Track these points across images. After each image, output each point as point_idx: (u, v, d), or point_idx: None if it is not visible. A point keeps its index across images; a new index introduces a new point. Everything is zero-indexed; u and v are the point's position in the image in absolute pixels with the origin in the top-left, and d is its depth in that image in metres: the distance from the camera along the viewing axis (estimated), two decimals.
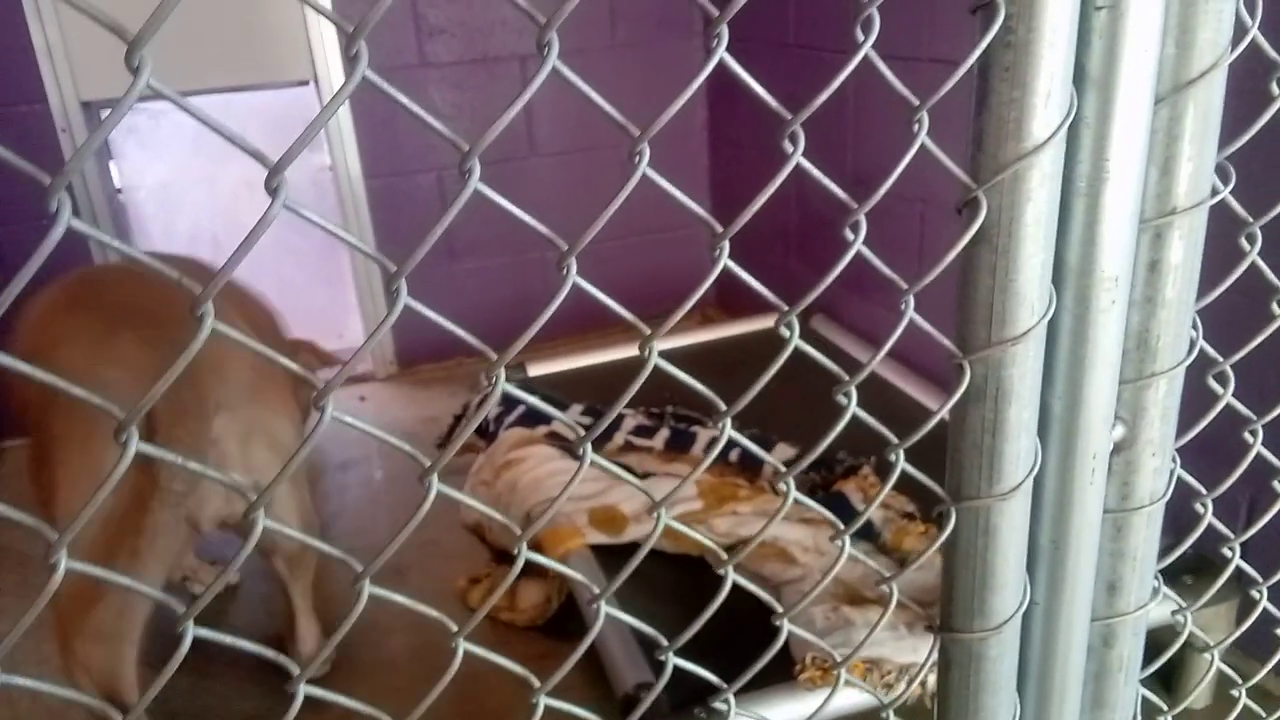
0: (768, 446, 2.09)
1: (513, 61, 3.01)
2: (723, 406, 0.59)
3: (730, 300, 3.36)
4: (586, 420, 2.31)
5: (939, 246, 2.39)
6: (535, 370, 2.65)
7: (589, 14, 2.99)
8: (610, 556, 1.81)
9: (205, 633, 0.52)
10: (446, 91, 2.97)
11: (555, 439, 2.21)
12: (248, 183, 3.09)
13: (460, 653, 0.60)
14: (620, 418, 2.28)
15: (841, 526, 0.70)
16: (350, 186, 2.95)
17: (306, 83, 2.88)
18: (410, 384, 3.10)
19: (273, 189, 0.38)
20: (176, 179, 3.06)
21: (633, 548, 1.83)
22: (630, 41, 3.09)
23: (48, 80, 2.61)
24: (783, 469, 0.64)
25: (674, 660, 0.68)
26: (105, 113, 2.76)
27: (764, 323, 2.82)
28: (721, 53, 0.46)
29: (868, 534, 1.79)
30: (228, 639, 0.53)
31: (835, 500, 1.89)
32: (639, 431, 2.25)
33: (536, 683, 0.64)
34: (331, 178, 2.98)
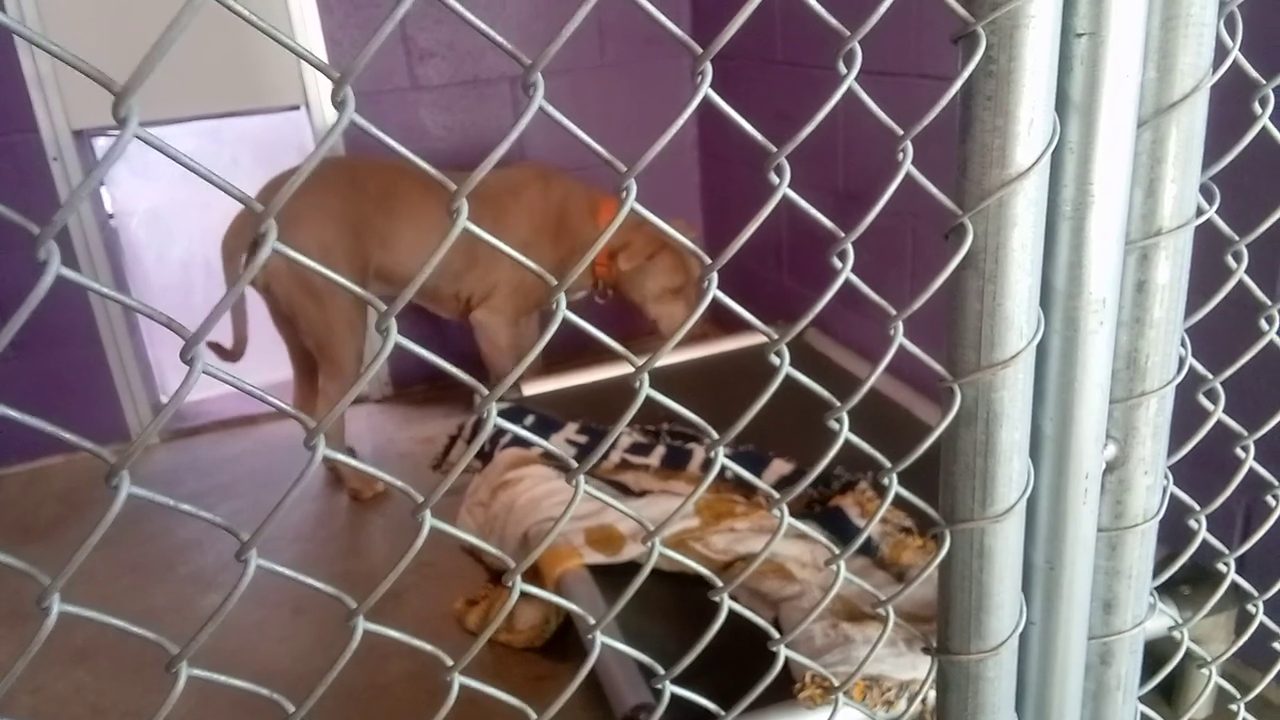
0: (763, 463, 2.08)
1: (503, 83, 3.02)
2: (714, 434, 0.60)
3: (724, 316, 3.36)
4: (582, 439, 2.30)
5: (930, 261, 2.38)
6: (530, 390, 2.65)
7: (577, 33, 2.95)
8: (608, 575, 1.80)
9: (200, 673, 0.52)
10: (437, 114, 2.98)
11: (551, 459, 2.21)
12: (240, 209, 3.09)
13: (455, 686, 0.60)
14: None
15: (839, 549, 0.70)
16: None
17: (297, 107, 2.89)
18: (405, 405, 3.10)
19: (262, 233, 0.38)
20: (168, 204, 3.06)
21: (630, 566, 1.82)
22: (619, 60, 3.10)
23: (39, 109, 2.61)
24: (776, 495, 0.64)
25: (671, 688, 0.68)
26: (97, 141, 2.77)
27: (758, 339, 2.82)
28: (706, 89, 0.46)
29: (866, 549, 1.78)
30: (221, 678, 0.53)
31: (833, 515, 1.89)
32: (635, 449, 2.25)
33: (534, 715, 0.64)
34: None
